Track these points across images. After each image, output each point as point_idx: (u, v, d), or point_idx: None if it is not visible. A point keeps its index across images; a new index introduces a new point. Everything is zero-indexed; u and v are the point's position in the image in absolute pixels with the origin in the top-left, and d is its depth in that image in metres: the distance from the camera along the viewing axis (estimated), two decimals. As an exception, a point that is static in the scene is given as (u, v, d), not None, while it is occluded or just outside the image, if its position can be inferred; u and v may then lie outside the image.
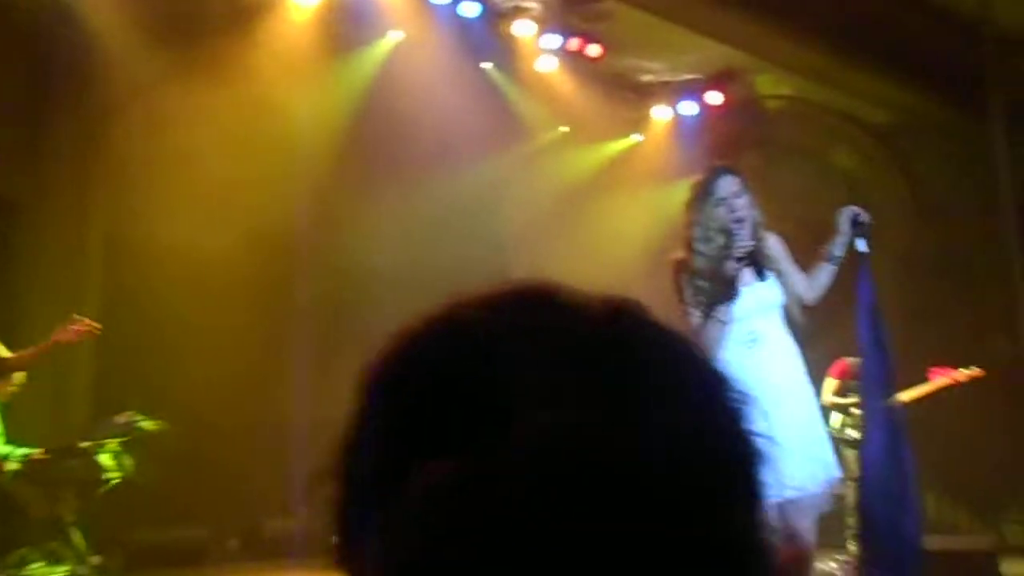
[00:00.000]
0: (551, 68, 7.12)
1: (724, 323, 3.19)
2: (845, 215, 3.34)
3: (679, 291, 3.26)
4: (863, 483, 3.36)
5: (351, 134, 6.68)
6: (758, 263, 3.18)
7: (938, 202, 8.17)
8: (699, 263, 3.21)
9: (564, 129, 7.86)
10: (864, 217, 3.33)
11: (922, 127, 8.07)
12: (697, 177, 3.35)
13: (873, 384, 3.32)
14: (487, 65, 7.22)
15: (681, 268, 3.26)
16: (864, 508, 3.32)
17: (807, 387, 3.34)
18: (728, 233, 3.19)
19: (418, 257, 6.65)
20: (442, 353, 0.40)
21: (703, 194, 3.25)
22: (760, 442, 0.41)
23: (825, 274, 3.35)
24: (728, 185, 3.23)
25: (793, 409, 3.24)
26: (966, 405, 6.44)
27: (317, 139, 6.68)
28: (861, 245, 3.30)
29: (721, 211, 3.20)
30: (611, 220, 8.11)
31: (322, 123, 6.72)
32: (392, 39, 6.75)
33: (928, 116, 7.95)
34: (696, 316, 3.23)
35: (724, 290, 3.17)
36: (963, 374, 6.16)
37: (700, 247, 3.21)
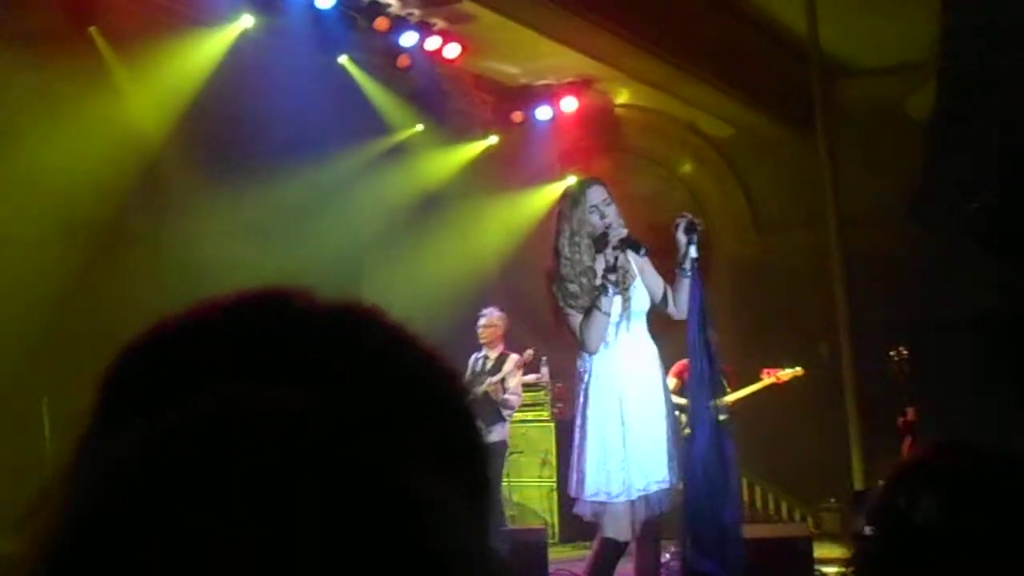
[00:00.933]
0: (409, 66, 7.09)
1: (607, 314, 3.33)
2: (680, 224, 3.53)
3: (553, 300, 3.40)
4: (689, 476, 3.56)
5: (193, 120, 6.33)
6: (636, 245, 3.37)
7: (771, 214, 8.73)
8: (567, 269, 3.36)
9: (420, 128, 7.84)
10: (698, 224, 3.53)
11: (758, 142, 8.60)
12: (567, 189, 3.53)
13: (699, 384, 3.53)
14: (343, 59, 7.10)
15: (552, 277, 3.40)
16: (689, 499, 3.52)
17: (661, 390, 3.52)
18: (601, 236, 3.37)
19: (266, 252, 6.43)
20: (155, 349, 0.42)
21: (575, 202, 3.42)
22: (480, 443, 0.42)
23: (683, 288, 3.50)
24: (598, 194, 3.41)
25: (648, 411, 3.41)
26: (787, 404, 6.92)
27: (153, 123, 6.30)
28: (693, 251, 3.49)
29: (594, 217, 3.38)
30: (465, 220, 8.16)
31: (160, 106, 6.33)
32: (242, 24, 6.49)
33: (763, 132, 8.49)
34: (575, 315, 3.36)
35: (602, 283, 3.33)
36: (786, 374, 6.64)
37: (568, 252, 3.37)
